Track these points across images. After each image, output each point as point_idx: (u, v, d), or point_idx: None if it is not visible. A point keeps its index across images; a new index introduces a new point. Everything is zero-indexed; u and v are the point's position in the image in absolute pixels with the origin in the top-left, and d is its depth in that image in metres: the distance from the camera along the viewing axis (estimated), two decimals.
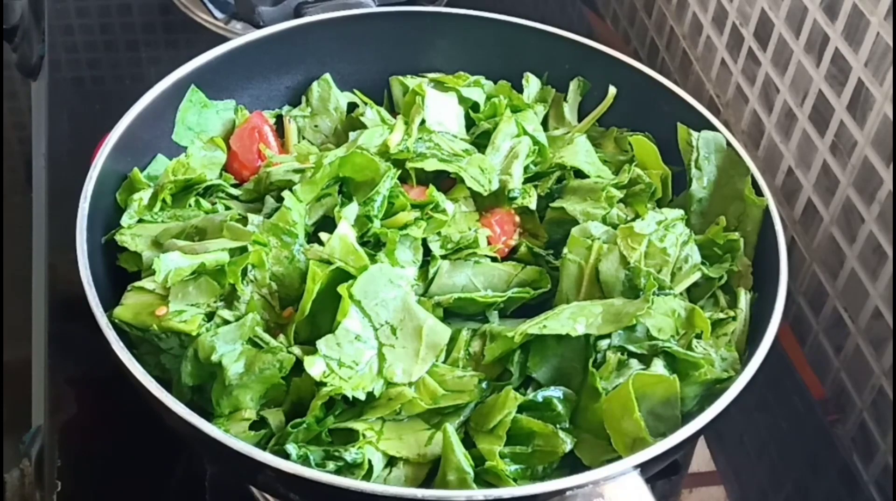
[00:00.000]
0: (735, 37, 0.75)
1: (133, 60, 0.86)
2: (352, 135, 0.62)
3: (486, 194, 0.59)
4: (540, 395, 0.50)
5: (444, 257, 0.56)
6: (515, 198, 0.59)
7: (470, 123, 0.64)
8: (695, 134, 0.61)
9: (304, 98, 0.67)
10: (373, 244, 0.55)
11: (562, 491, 0.46)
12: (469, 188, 0.58)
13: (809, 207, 0.68)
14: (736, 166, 0.60)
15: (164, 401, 0.47)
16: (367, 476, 0.48)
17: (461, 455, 0.48)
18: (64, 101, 0.81)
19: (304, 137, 0.65)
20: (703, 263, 0.56)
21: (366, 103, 0.66)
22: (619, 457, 0.48)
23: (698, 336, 0.53)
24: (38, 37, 0.86)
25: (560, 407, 0.50)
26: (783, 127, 0.70)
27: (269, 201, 0.57)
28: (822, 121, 0.65)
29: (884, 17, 0.58)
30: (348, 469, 0.48)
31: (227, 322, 0.51)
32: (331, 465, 0.48)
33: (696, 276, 0.55)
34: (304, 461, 0.48)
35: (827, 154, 0.65)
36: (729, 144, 0.61)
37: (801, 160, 0.68)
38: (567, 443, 0.50)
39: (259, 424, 0.51)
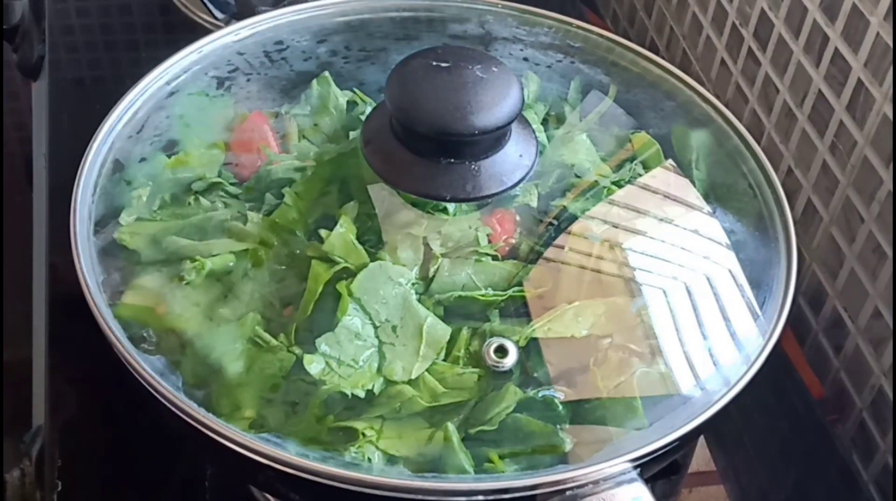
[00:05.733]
0: (735, 37, 0.75)
1: (133, 60, 0.86)
2: (352, 134, 0.62)
3: None
4: (540, 394, 0.50)
5: (444, 255, 0.56)
6: (516, 196, 0.59)
7: None
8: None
9: (303, 97, 0.67)
10: (374, 242, 0.55)
11: (561, 491, 0.46)
12: None
13: (809, 207, 0.68)
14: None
15: (166, 394, 0.48)
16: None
17: (461, 453, 0.48)
18: (64, 101, 0.81)
19: (304, 137, 0.65)
20: None
21: (365, 102, 0.66)
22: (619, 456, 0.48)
23: None
24: (39, 37, 0.87)
25: (560, 407, 0.50)
26: (783, 127, 0.70)
27: (269, 199, 0.57)
28: (822, 121, 0.65)
29: (883, 17, 0.58)
30: (347, 468, 0.48)
31: (227, 321, 0.51)
32: (330, 464, 0.48)
33: None
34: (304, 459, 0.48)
35: (826, 154, 0.65)
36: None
37: (800, 160, 0.68)
38: (567, 443, 0.50)
39: (259, 423, 0.51)
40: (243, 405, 0.50)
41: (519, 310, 0.55)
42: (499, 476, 0.48)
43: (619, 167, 0.62)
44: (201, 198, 0.59)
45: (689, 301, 0.55)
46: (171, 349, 0.51)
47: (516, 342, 0.51)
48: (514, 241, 0.58)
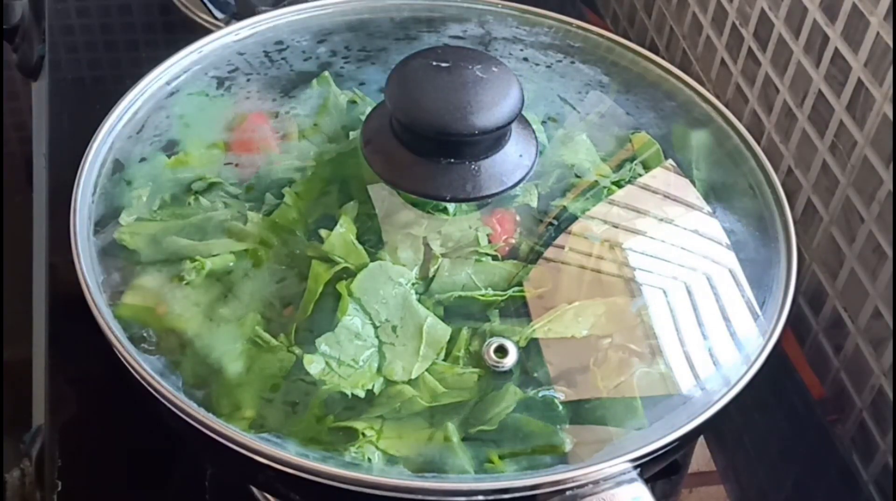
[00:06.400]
0: (735, 37, 0.75)
1: (133, 60, 0.86)
2: (352, 134, 0.62)
3: None
4: (540, 394, 0.50)
5: (444, 255, 0.56)
6: (517, 196, 0.59)
7: None
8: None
9: (303, 97, 0.67)
10: (374, 242, 0.55)
11: (561, 491, 0.46)
12: None
13: (809, 207, 0.68)
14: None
15: (166, 394, 0.48)
16: None
17: (461, 453, 0.48)
18: (64, 101, 0.81)
19: (304, 137, 0.65)
20: None
21: (365, 102, 0.66)
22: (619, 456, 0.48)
23: None
24: (39, 37, 0.87)
25: (560, 407, 0.50)
26: (783, 127, 0.70)
27: (269, 199, 0.57)
28: (822, 121, 0.65)
29: (883, 17, 0.58)
30: (347, 468, 0.48)
31: (227, 321, 0.51)
32: (330, 464, 0.48)
33: None
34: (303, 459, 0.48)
35: (826, 154, 0.65)
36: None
37: (800, 160, 0.68)
38: (567, 443, 0.50)
39: (259, 423, 0.51)
40: (243, 405, 0.50)
41: (519, 310, 0.55)
42: (499, 476, 0.48)
43: (619, 167, 0.62)
44: (201, 198, 0.59)
45: (689, 301, 0.55)
46: (171, 349, 0.51)
47: (516, 343, 0.51)
48: (514, 241, 0.58)
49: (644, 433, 0.49)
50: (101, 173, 0.58)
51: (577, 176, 0.61)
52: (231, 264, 0.53)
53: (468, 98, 0.51)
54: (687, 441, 0.48)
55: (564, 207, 0.59)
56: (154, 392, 0.48)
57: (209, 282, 0.53)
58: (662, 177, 0.60)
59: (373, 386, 0.50)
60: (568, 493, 0.46)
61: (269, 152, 0.62)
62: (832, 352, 0.67)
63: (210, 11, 0.83)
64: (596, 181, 0.60)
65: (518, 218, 0.59)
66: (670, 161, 0.60)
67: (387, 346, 0.51)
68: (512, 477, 0.48)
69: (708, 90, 0.64)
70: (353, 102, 0.66)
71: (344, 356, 0.50)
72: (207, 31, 0.66)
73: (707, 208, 0.58)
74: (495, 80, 0.52)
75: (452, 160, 0.53)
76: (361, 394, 0.49)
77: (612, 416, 0.50)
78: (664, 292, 0.54)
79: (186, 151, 0.61)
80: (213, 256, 0.53)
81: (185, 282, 0.52)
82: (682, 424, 0.48)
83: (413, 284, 0.54)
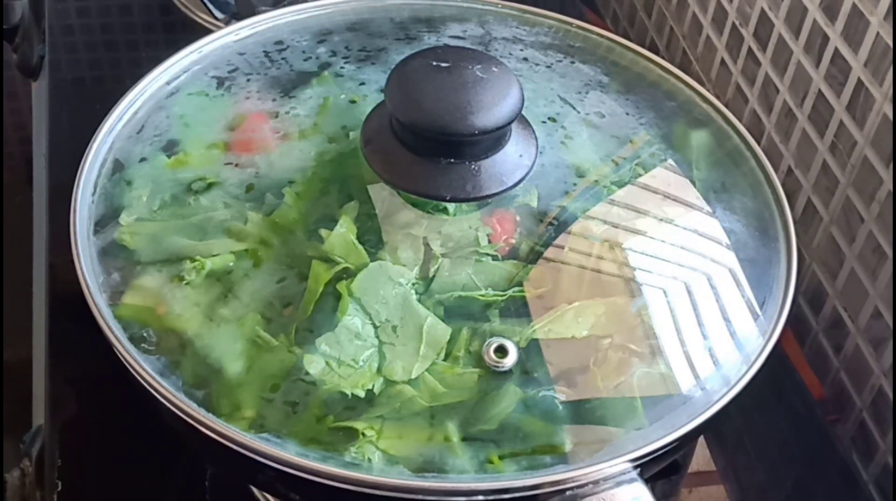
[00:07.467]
0: (735, 37, 0.75)
1: (133, 60, 0.86)
2: (352, 134, 0.62)
3: None
4: (540, 394, 0.50)
5: (444, 255, 0.56)
6: (517, 196, 0.59)
7: None
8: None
9: (303, 97, 0.67)
10: (374, 242, 0.55)
11: (561, 491, 0.46)
12: None
13: (809, 207, 0.68)
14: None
15: (166, 394, 0.48)
16: None
17: (461, 453, 0.48)
18: (64, 101, 0.81)
19: (304, 137, 0.65)
20: None
21: (365, 102, 0.66)
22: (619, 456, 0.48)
23: None
24: (39, 37, 0.87)
25: (560, 407, 0.50)
26: (783, 127, 0.70)
27: (269, 199, 0.58)
28: (822, 121, 0.65)
29: (883, 17, 0.58)
30: (347, 468, 0.48)
31: (227, 321, 0.51)
32: (330, 464, 0.48)
33: None
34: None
35: (826, 154, 0.65)
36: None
37: (800, 160, 0.68)
38: (567, 443, 0.50)
39: (259, 423, 0.51)
40: (243, 405, 0.50)
41: (519, 310, 0.55)
42: (499, 476, 0.48)
43: (619, 167, 0.62)
44: (201, 198, 0.59)
45: (689, 301, 0.55)
46: (171, 349, 0.51)
47: (516, 343, 0.51)
48: (514, 241, 0.58)
49: (644, 433, 0.49)
50: (101, 173, 0.58)
51: (578, 176, 0.61)
52: (231, 264, 0.53)
53: (468, 98, 0.51)
54: (687, 441, 0.49)
55: (564, 207, 0.59)
56: (154, 392, 0.48)
57: (209, 282, 0.53)
58: (662, 177, 0.60)
59: (373, 386, 0.50)
60: (568, 493, 0.46)
61: (269, 152, 0.62)
62: (832, 352, 0.67)
63: (210, 11, 0.83)
64: (596, 181, 0.60)
65: (518, 218, 0.59)
66: (670, 161, 0.60)
67: (387, 346, 0.51)
68: (512, 477, 0.48)
69: (708, 90, 0.64)
70: (353, 101, 0.66)
71: (344, 356, 0.50)
72: (207, 31, 0.67)
73: (707, 208, 0.58)
74: (495, 80, 0.52)
75: (452, 160, 0.53)
76: (361, 394, 0.49)
77: (612, 416, 0.50)
78: (664, 292, 0.54)
79: (186, 151, 0.61)
80: (213, 256, 0.53)
81: (185, 282, 0.52)
82: (682, 424, 0.48)
83: (413, 284, 0.54)
